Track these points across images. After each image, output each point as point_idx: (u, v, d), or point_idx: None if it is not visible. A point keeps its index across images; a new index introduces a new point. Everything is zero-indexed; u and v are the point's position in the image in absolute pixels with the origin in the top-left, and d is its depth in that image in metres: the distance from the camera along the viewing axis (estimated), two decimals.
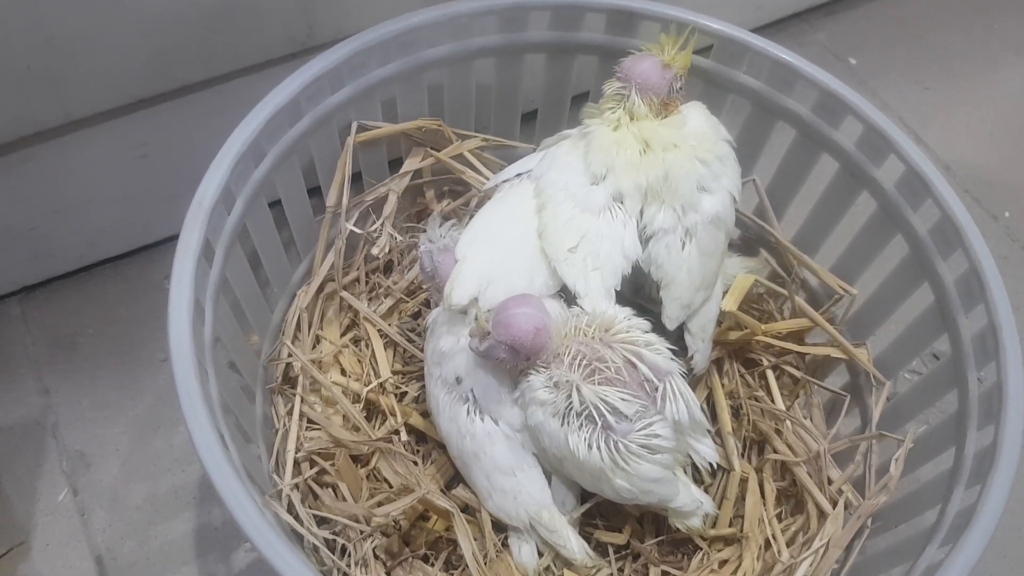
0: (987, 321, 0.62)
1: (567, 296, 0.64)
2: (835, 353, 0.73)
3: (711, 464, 0.64)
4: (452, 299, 0.62)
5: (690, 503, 0.62)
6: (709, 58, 0.75)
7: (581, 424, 0.58)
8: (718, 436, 0.72)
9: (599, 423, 0.58)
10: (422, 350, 0.71)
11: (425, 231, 0.68)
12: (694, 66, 0.75)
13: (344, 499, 0.66)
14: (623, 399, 0.58)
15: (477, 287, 0.62)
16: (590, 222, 0.65)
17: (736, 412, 0.74)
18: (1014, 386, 0.58)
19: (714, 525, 0.68)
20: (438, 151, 0.79)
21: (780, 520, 0.69)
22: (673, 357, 0.61)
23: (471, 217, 0.79)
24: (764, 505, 0.69)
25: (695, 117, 0.69)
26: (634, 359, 0.60)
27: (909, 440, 0.65)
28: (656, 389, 0.59)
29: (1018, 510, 0.79)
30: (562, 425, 0.59)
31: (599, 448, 0.58)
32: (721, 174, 0.68)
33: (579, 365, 0.59)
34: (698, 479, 0.68)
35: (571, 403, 0.58)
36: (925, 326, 0.69)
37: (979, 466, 0.58)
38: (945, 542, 0.56)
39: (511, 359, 0.60)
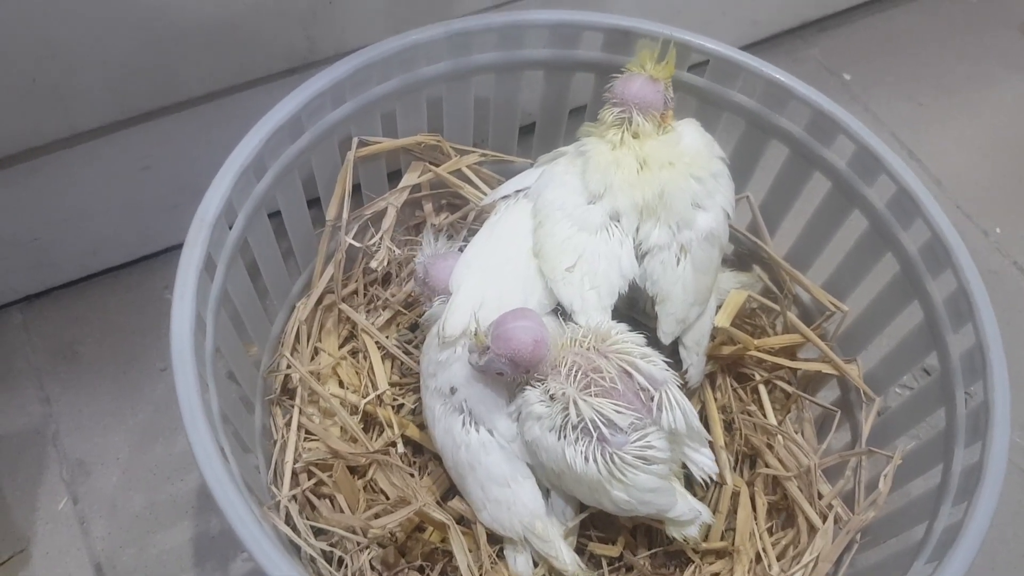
0: (975, 340, 0.63)
1: (563, 313, 0.65)
2: (826, 369, 0.74)
3: (709, 476, 0.64)
4: (446, 330, 0.63)
5: (688, 512, 0.63)
6: (704, 76, 0.76)
7: (577, 437, 0.59)
8: (711, 449, 0.73)
9: (595, 435, 0.59)
10: (419, 362, 0.71)
11: (421, 246, 0.69)
12: (689, 84, 0.77)
13: (341, 510, 0.67)
14: (618, 411, 0.59)
15: (471, 317, 0.62)
16: (587, 241, 0.66)
17: (729, 426, 0.75)
18: (1000, 404, 0.59)
19: (706, 538, 0.69)
20: (437, 166, 0.80)
21: (771, 534, 0.70)
22: (668, 368, 0.62)
23: (468, 232, 0.80)
24: (755, 519, 0.70)
25: (689, 134, 0.71)
26: (629, 369, 0.60)
27: (898, 456, 0.66)
28: (652, 398, 0.60)
29: (1006, 521, 0.81)
30: (559, 439, 0.60)
31: (595, 460, 0.59)
32: (715, 191, 0.69)
33: (575, 377, 0.60)
34: (691, 492, 0.68)
35: (567, 416, 0.59)
36: (915, 343, 0.70)
37: (966, 483, 0.59)
38: (932, 559, 0.57)
39: (510, 372, 0.60)
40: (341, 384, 0.75)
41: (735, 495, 0.71)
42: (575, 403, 0.59)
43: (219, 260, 0.63)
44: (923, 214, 0.68)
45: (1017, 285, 0.97)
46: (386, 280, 0.81)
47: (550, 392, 0.60)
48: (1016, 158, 1.09)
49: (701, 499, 0.70)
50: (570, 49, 0.77)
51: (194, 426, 0.53)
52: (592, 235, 0.66)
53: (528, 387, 0.61)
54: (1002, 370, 0.61)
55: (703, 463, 0.63)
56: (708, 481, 0.65)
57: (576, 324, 0.64)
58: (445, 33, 0.72)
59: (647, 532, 0.70)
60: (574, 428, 0.59)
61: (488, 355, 0.59)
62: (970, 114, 1.13)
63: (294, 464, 0.68)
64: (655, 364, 0.62)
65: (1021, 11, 1.25)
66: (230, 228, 0.65)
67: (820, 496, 0.69)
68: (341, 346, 0.77)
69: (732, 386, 0.76)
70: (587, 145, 0.70)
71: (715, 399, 0.75)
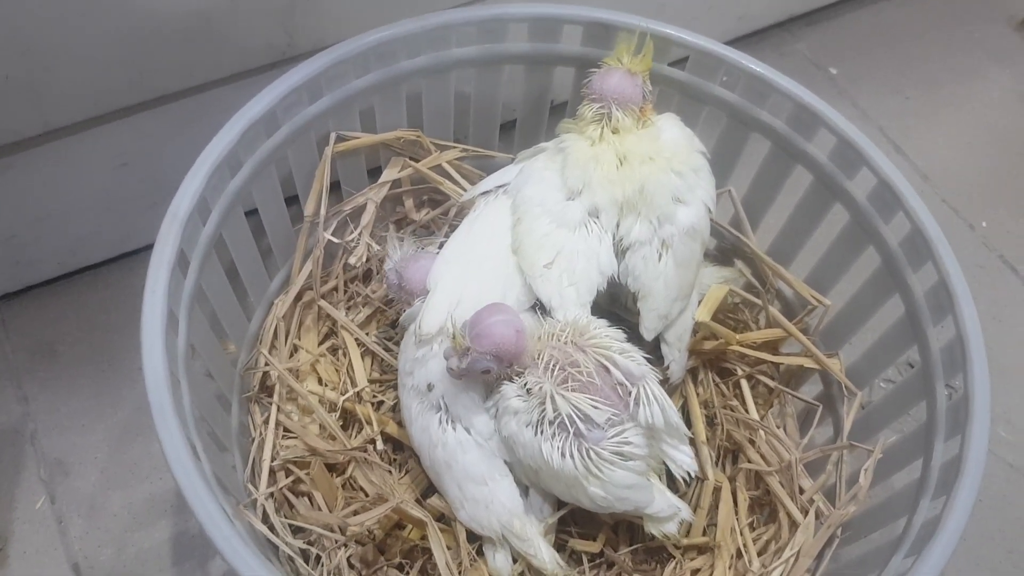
0: (955, 333, 0.63)
1: (542, 310, 0.65)
2: (808, 363, 0.74)
3: (688, 474, 0.64)
4: (422, 328, 0.63)
5: (666, 508, 0.63)
6: (685, 70, 0.76)
7: (554, 433, 0.59)
8: (692, 445, 0.72)
9: (571, 431, 0.58)
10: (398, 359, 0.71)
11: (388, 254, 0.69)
12: (670, 78, 0.76)
13: (319, 508, 0.66)
14: (595, 407, 0.58)
15: (447, 315, 0.62)
16: (566, 238, 0.66)
17: (711, 421, 0.74)
18: (980, 397, 0.59)
19: (688, 533, 0.68)
20: (417, 161, 0.79)
21: (753, 529, 0.70)
22: (646, 363, 0.62)
23: (449, 228, 0.80)
24: (736, 514, 0.70)
25: (670, 129, 0.70)
26: (607, 364, 0.60)
27: (878, 451, 0.66)
28: (629, 394, 0.60)
29: (991, 516, 0.80)
30: (536, 435, 0.59)
31: (572, 456, 0.58)
32: (696, 186, 0.68)
33: (553, 371, 0.59)
34: (673, 488, 0.68)
35: (544, 411, 0.59)
36: (896, 337, 0.70)
37: (945, 477, 0.59)
38: (911, 552, 0.56)
39: (497, 369, 0.60)
40: (320, 381, 0.74)
41: (717, 490, 0.70)
42: (552, 398, 0.58)
43: (192, 256, 0.62)
44: (904, 207, 0.68)
45: (1003, 279, 0.97)
46: (367, 276, 0.80)
47: (527, 386, 0.59)
48: (1002, 152, 1.09)
49: (683, 495, 0.70)
50: (550, 43, 0.76)
51: (164, 424, 0.52)
52: (571, 231, 0.66)
53: (505, 382, 0.61)
54: (982, 363, 0.60)
55: (682, 460, 0.63)
56: (687, 478, 0.64)
57: (555, 320, 0.63)
58: (423, 27, 0.72)
59: (628, 528, 0.69)
60: (551, 423, 0.58)
61: (470, 356, 0.58)
62: (957, 108, 1.12)
63: (271, 462, 0.67)
64: (633, 359, 0.61)
65: (1008, 4, 1.24)
66: (204, 224, 0.64)
67: (802, 491, 0.69)
68: (321, 343, 0.76)
69: (714, 381, 0.76)
70: (567, 141, 0.69)
71: (697, 394, 0.74)
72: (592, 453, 0.58)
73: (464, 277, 0.66)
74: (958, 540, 0.54)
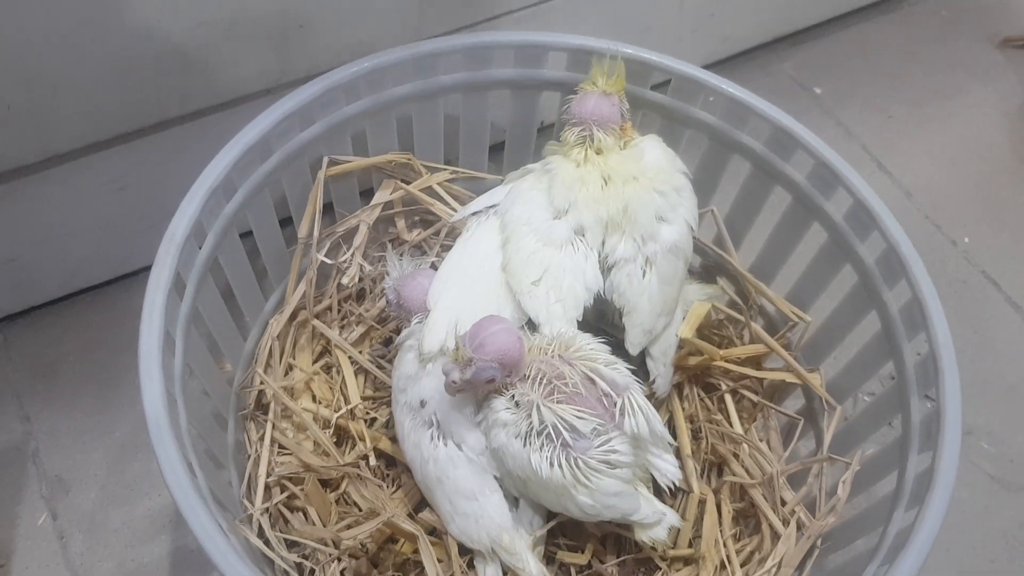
0: (928, 348, 0.65)
1: (530, 325, 0.67)
2: (790, 378, 0.76)
3: (673, 483, 0.65)
4: (424, 347, 0.65)
5: (652, 515, 0.64)
6: (667, 94, 0.78)
7: (543, 443, 0.60)
8: (678, 457, 0.74)
9: (559, 441, 0.60)
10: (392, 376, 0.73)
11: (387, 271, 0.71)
12: (653, 102, 0.78)
13: (314, 523, 0.68)
14: (581, 417, 0.60)
15: (446, 334, 0.64)
16: (552, 256, 0.68)
17: (696, 435, 0.76)
18: (951, 410, 0.61)
19: (674, 544, 0.70)
20: (408, 183, 0.81)
21: (736, 540, 0.72)
22: (631, 375, 0.64)
23: (442, 248, 0.82)
24: (720, 526, 0.71)
25: (652, 150, 0.72)
26: (592, 375, 0.62)
27: (856, 463, 0.67)
28: (615, 404, 0.61)
29: (972, 527, 0.82)
30: (524, 446, 0.61)
31: (560, 466, 0.60)
32: (678, 205, 0.71)
33: (540, 383, 0.61)
34: (659, 499, 0.70)
35: (532, 423, 0.60)
36: (873, 352, 0.72)
37: (918, 488, 0.60)
38: (884, 562, 0.58)
39: (500, 377, 0.60)
40: (314, 399, 0.76)
41: (702, 503, 0.72)
42: (538, 409, 0.60)
43: (189, 279, 0.64)
44: (879, 226, 0.70)
45: (985, 293, 0.99)
46: (360, 296, 0.82)
47: (515, 399, 0.61)
48: (984, 168, 1.11)
49: (669, 507, 0.72)
50: (536, 69, 0.78)
51: (161, 442, 0.54)
52: (557, 249, 0.68)
53: (495, 396, 0.62)
54: (953, 377, 0.62)
55: (666, 469, 0.65)
56: (672, 488, 0.66)
57: (542, 334, 0.65)
58: (412, 55, 0.74)
59: (616, 540, 0.71)
60: (539, 434, 0.60)
61: (474, 366, 0.59)
62: (939, 125, 1.14)
63: (267, 478, 0.69)
64: (618, 370, 0.63)
65: (990, 23, 1.27)
66: (200, 248, 0.66)
67: (784, 503, 0.70)
68: (315, 361, 0.78)
69: (699, 396, 0.78)
70: (553, 163, 0.72)
71: (682, 408, 0.76)
72: (579, 462, 0.60)
73: (460, 297, 0.68)
74: (930, 548, 0.55)
